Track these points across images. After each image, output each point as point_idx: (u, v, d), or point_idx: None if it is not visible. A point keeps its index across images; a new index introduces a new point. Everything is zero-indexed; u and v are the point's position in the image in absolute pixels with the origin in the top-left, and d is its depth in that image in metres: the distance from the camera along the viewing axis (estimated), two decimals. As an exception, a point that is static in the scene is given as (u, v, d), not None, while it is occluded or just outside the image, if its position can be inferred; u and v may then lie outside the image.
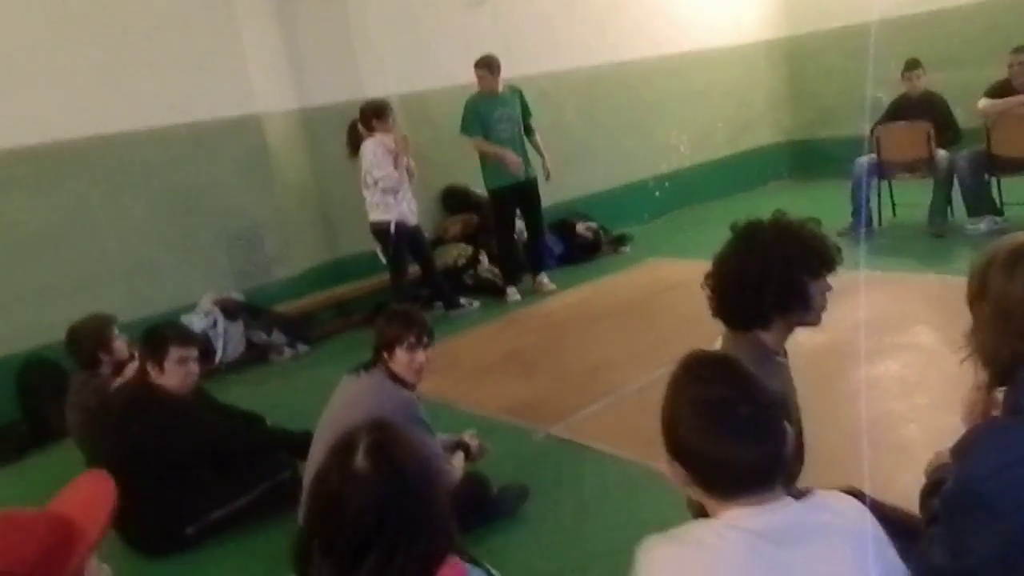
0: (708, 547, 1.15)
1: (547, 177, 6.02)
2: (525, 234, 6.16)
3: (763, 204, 8.62)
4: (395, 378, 2.73)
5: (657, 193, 8.07)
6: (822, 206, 6.66)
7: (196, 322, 5.15)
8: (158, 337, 3.12)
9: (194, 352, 3.19)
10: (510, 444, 3.47)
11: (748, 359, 1.50)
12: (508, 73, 6.93)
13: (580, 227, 6.83)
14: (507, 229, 6.01)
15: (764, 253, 1.80)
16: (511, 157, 5.68)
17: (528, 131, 5.98)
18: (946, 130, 5.67)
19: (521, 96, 5.98)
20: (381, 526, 1.12)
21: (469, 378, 4.45)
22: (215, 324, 5.16)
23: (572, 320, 5.27)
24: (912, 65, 5.81)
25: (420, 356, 2.71)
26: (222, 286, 5.47)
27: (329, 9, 5.91)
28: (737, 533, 1.15)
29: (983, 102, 5.45)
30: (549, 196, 7.06)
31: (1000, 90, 5.39)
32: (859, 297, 4.65)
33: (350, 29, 6.00)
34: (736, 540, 1.14)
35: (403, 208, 5.37)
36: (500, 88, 5.81)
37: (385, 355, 2.71)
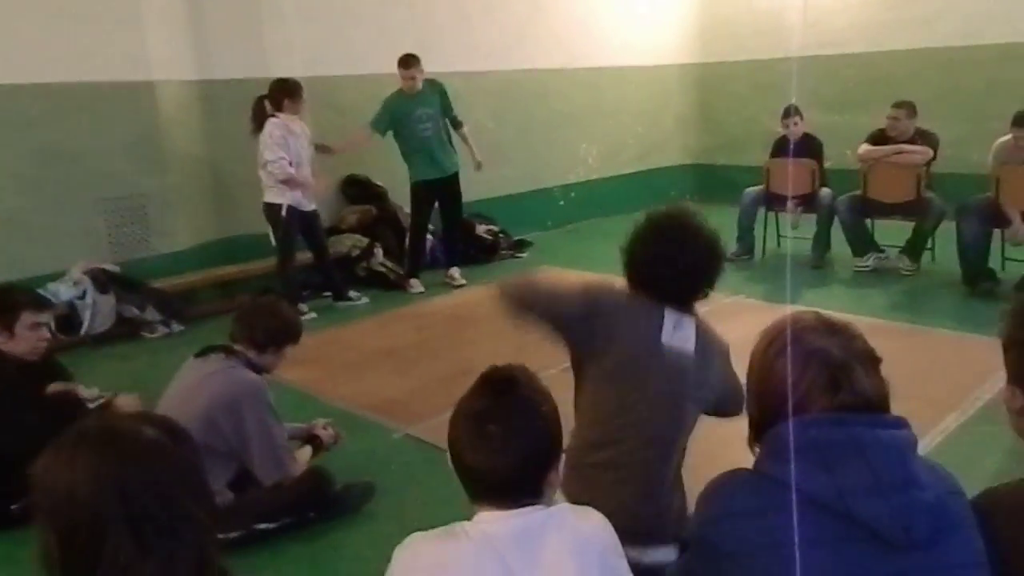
0: (452, 544, 1.24)
1: (477, 167, 6.13)
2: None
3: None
4: (250, 365, 2.69)
5: (562, 202, 8.19)
6: (718, 230, 6.98)
7: (63, 291, 4.93)
8: (9, 300, 3.00)
9: (47, 318, 3.09)
10: (368, 441, 3.46)
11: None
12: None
13: (480, 229, 6.86)
14: (422, 221, 6.09)
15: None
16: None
17: (455, 124, 6.07)
18: (821, 172, 6.01)
19: (442, 91, 6.00)
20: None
21: (343, 371, 4.41)
22: (84, 294, 4.94)
23: (456, 320, 5.29)
24: (790, 112, 6.07)
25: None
26: (98, 255, 5.25)
27: (240, -17, 5.76)
28: (477, 534, 1.24)
29: (863, 148, 5.77)
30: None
31: (878, 138, 5.71)
32: (729, 322, 4.85)
33: (261, 4, 5.86)
34: (475, 540, 1.23)
35: (297, 193, 5.28)
36: (419, 86, 5.80)
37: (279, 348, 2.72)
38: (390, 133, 5.88)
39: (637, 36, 8.54)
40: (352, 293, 5.73)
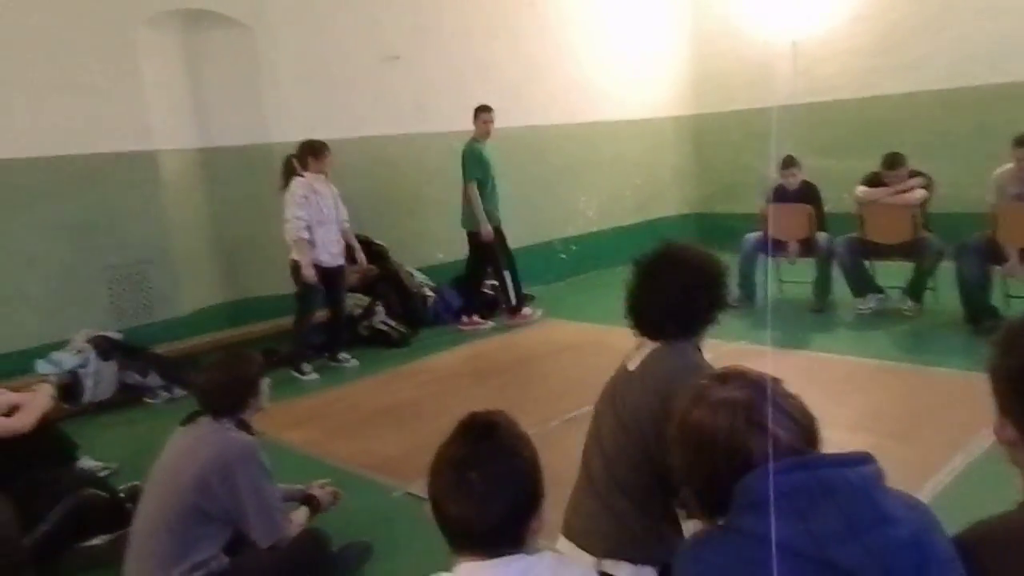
0: None
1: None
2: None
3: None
4: (241, 424, 2.68)
5: (563, 255, 8.24)
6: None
7: (67, 359, 4.95)
8: None
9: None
10: (367, 500, 3.41)
11: (692, 358, 1.91)
12: (418, 128, 7.09)
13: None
14: (508, 260, 6.58)
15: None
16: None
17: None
18: (819, 217, 6.05)
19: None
20: None
21: (342, 431, 4.38)
22: (87, 362, 4.96)
23: (459, 376, 5.28)
24: (788, 163, 6.15)
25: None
26: (101, 323, 5.29)
27: (238, 51, 5.93)
28: None
29: (860, 190, 5.80)
30: (455, 251, 7.15)
31: (874, 181, 5.75)
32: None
33: (260, 73, 6.02)
34: None
35: (317, 251, 5.32)
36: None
37: (249, 395, 2.67)
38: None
39: (631, 91, 8.70)
40: (342, 355, 5.70)
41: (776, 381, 1.23)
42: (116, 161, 5.39)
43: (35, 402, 3.40)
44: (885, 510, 1.08)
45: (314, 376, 5.39)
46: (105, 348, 5.05)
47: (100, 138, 5.29)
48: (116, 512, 3.15)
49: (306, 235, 5.22)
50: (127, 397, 5.08)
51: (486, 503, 1.24)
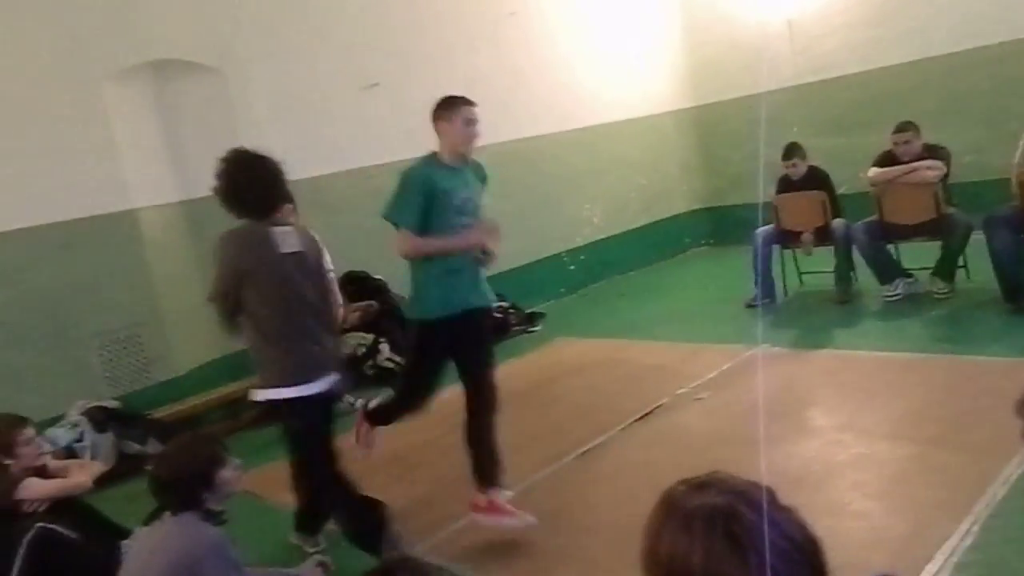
0: None
1: None
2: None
3: (682, 272, 8.60)
4: (210, 514, 2.44)
5: (572, 267, 7.95)
6: (736, 274, 6.69)
7: (62, 435, 4.77)
8: None
9: None
10: (363, 566, 3.15)
11: None
12: (409, 154, 6.83)
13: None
14: None
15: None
16: None
17: None
18: (832, 203, 5.71)
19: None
20: None
21: (347, 485, 4.13)
22: (82, 436, 4.78)
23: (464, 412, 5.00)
24: (789, 153, 5.81)
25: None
26: (96, 392, 5.11)
27: (210, 96, 5.74)
28: None
29: (872, 171, 5.46)
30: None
31: (886, 160, 5.41)
32: (755, 378, 4.51)
33: (235, 115, 5.82)
34: None
35: None
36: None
37: (203, 488, 2.42)
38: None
39: (626, 90, 8.40)
40: (348, 398, 5.45)
41: (770, 491, 0.95)
42: (95, 224, 5.21)
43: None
44: None
45: None
46: (100, 419, 4.87)
47: (76, 202, 5.11)
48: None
49: None
50: (126, 468, 4.88)
51: None
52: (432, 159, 3.44)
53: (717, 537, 0.90)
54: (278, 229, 3.00)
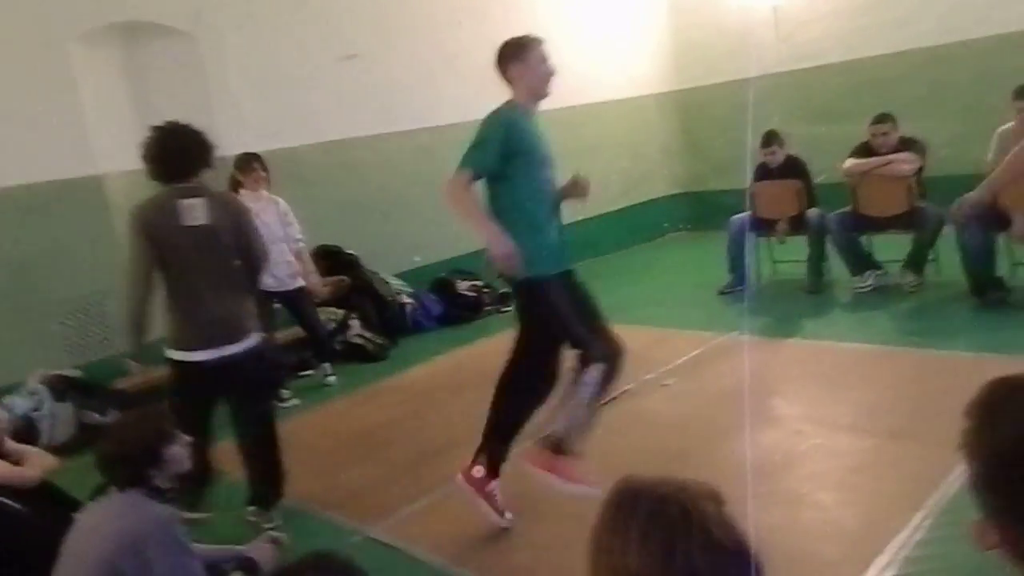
0: None
1: None
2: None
3: (659, 257, 8.54)
4: (157, 492, 2.39)
5: (549, 247, 7.90)
6: (712, 260, 6.68)
7: (19, 403, 4.69)
8: None
9: None
10: (321, 546, 3.12)
11: None
12: (386, 128, 6.76)
13: (462, 285, 6.58)
14: None
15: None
16: None
17: None
18: (808, 192, 5.69)
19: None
20: None
21: (309, 463, 4.08)
22: (40, 405, 4.70)
23: (435, 391, 4.98)
24: (768, 141, 5.77)
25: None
26: (57, 361, 5.02)
27: (182, 61, 5.61)
28: None
29: (848, 162, 5.45)
30: (432, 254, 6.84)
31: (863, 151, 5.40)
32: (722, 365, 4.51)
33: (207, 82, 5.71)
34: None
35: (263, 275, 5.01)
36: None
37: (150, 465, 2.37)
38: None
39: (609, 70, 8.32)
40: (324, 366, 5.44)
41: (705, 497, 0.92)
42: (60, 188, 5.10)
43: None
44: None
45: (295, 402, 5.08)
46: (60, 388, 4.79)
47: (40, 165, 4.99)
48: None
49: None
50: (87, 438, 4.80)
51: None
52: (513, 106, 3.05)
53: (651, 541, 0.89)
54: (187, 201, 3.06)
